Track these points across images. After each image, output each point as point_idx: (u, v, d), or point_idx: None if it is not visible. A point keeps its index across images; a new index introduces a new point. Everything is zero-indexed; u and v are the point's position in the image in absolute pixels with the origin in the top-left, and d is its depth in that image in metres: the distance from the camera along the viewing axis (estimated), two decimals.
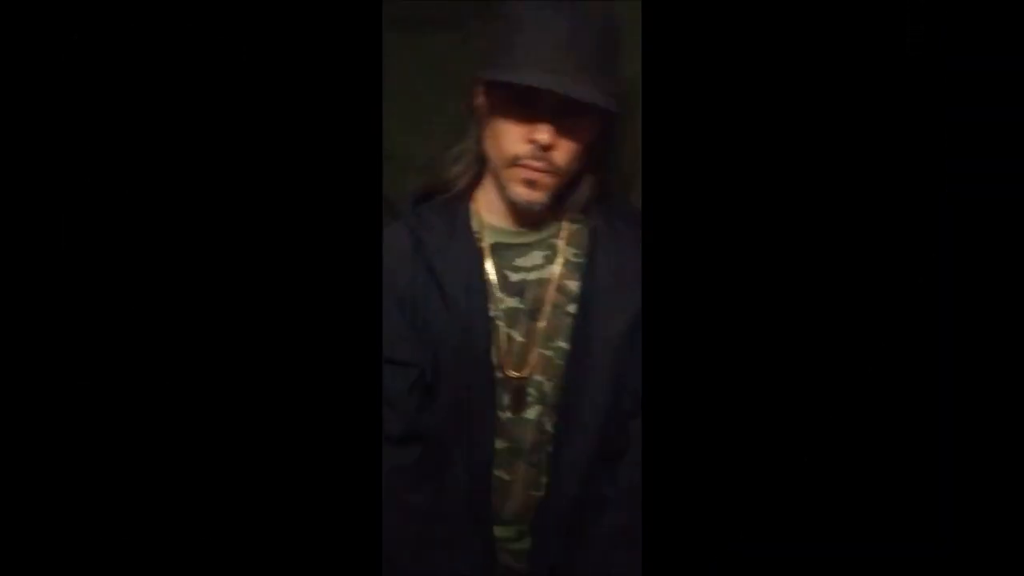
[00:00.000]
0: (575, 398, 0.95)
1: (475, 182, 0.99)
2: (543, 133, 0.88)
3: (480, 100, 0.94)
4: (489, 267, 0.97)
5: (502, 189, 0.94)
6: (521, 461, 0.96)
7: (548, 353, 0.95)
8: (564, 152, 0.90)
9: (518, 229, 0.98)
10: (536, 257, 0.98)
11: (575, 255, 0.98)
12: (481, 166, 0.98)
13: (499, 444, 0.95)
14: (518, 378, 0.95)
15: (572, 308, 0.96)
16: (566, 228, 0.99)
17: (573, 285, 0.97)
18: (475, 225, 0.99)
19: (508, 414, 0.95)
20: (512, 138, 0.90)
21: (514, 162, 0.91)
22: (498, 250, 0.98)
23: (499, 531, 0.97)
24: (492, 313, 0.95)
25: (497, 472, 0.95)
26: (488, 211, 0.99)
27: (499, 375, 0.95)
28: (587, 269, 0.97)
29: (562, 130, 0.89)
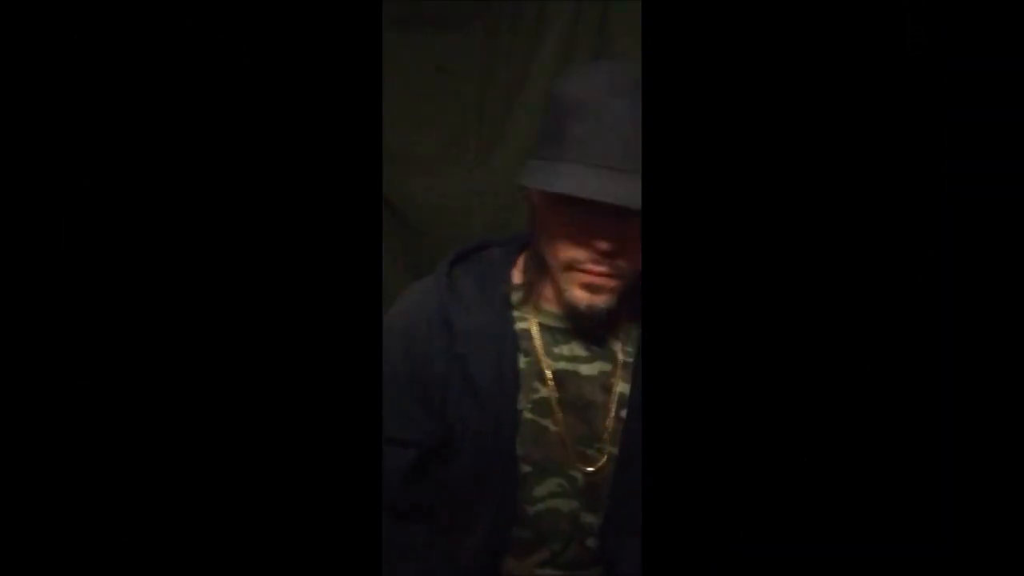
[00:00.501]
0: (622, 508, 0.88)
1: (527, 277, 0.89)
2: (603, 240, 0.79)
3: (531, 199, 0.85)
4: (522, 354, 0.87)
5: (560, 291, 0.85)
6: (545, 547, 0.90)
7: (592, 453, 0.88)
8: (628, 256, 0.80)
9: (578, 343, 0.89)
10: (576, 348, 0.89)
11: (625, 351, 0.89)
12: (536, 268, 0.87)
13: (521, 533, 0.89)
14: (594, 472, 0.87)
15: (623, 413, 0.88)
16: (622, 323, 0.89)
17: (621, 385, 0.88)
18: (515, 298, 0.89)
19: (539, 506, 0.89)
20: (569, 241, 0.81)
21: (571, 266, 0.82)
22: (543, 333, 0.89)
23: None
24: (521, 405, 0.87)
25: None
26: (536, 314, 0.89)
27: (529, 470, 0.88)
28: (636, 369, 0.88)
29: (628, 229, 0.78)
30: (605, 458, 0.87)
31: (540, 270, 0.88)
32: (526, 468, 0.88)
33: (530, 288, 0.89)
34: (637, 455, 0.85)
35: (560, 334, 0.89)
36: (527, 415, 0.87)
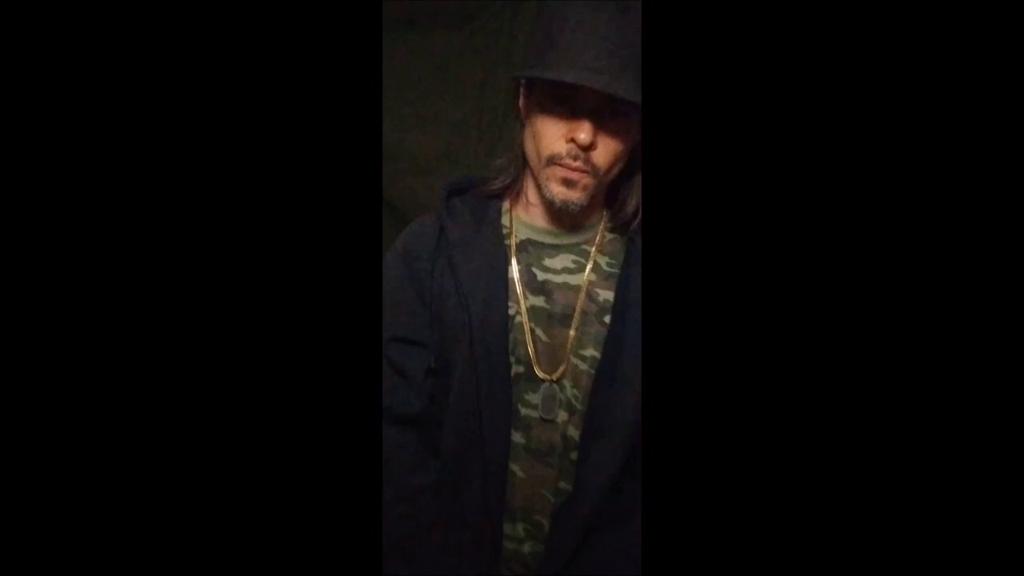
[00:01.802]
0: (603, 410, 0.93)
1: (513, 182, 0.99)
2: (583, 132, 0.86)
3: (521, 100, 0.94)
4: (514, 264, 0.96)
5: (540, 188, 0.93)
6: (536, 461, 0.94)
7: (577, 361, 0.94)
8: (605, 152, 0.89)
9: (553, 229, 0.97)
10: (566, 260, 0.97)
11: (608, 264, 0.97)
12: (520, 167, 0.97)
13: (517, 439, 0.94)
14: (549, 380, 0.94)
15: (606, 318, 0.94)
16: (602, 235, 0.98)
17: (606, 295, 0.95)
18: (506, 221, 0.98)
19: (533, 412, 0.94)
20: (551, 137, 0.89)
21: (552, 161, 0.90)
22: (526, 247, 0.97)
23: (506, 527, 0.95)
24: (512, 311, 0.94)
25: (512, 466, 0.94)
26: (524, 209, 0.98)
27: (522, 370, 0.94)
28: (621, 280, 0.95)
29: (603, 130, 0.88)
30: (587, 364, 0.94)
31: (524, 175, 0.98)
32: (518, 368, 0.94)
33: (515, 191, 1.00)
34: (617, 359, 0.93)
35: (549, 248, 0.97)
36: (518, 319, 0.94)
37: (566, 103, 0.88)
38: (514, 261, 0.95)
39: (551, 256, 0.96)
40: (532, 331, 0.94)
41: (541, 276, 0.95)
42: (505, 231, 0.97)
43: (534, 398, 0.94)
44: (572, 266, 0.96)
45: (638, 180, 0.96)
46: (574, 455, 0.94)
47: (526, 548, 0.95)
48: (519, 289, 0.95)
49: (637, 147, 0.94)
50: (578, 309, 0.95)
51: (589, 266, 0.96)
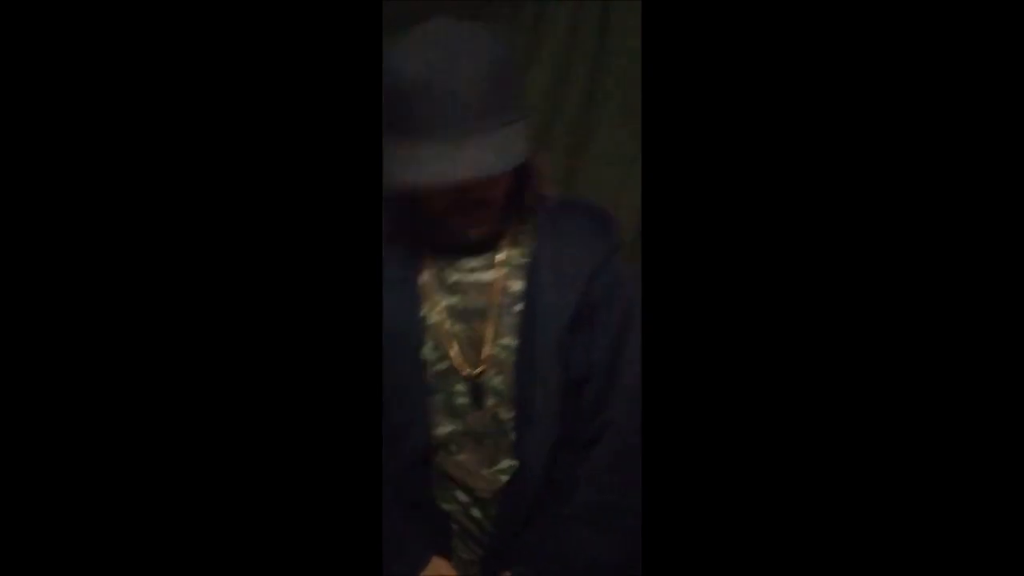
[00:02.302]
0: (527, 388, 0.97)
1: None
2: (464, 206, 0.88)
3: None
4: (426, 272, 0.99)
5: (444, 224, 0.94)
6: (475, 443, 0.98)
7: (497, 352, 0.98)
8: (494, 199, 0.91)
9: (467, 255, 0.99)
10: (474, 261, 0.99)
11: (520, 255, 1.00)
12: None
13: (453, 427, 0.98)
14: (474, 376, 0.98)
15: (518, 307, 0.98)
16: (512, 233, 1.00)
17: (517, 285, 0.99)
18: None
19: (464, 400, 0.99)
20: (436, 199, 0.89)
21: (447, 212, 0.91)
22: (437, 252, 0.99)
23: (457, 495, 1.01)
24: (423, 312, 0.98)
25: (457, 457, 0.99)
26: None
27: (445, 367, 0.98)
28: (529, 268, 0.99)
29: (481, 187, 0.87)
30: (507, 353, 0.98)
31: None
32: (442, 365, 0.98)
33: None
34: (534, 342, 0.97)
35: (457, 252, 0.99)
36: (433, 320, 0.98)
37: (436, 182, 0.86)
38: (423, 273, 0.98)
39: (461, 257, 0.99)
40: (450, 331, 0.98)
41: (453, 277, 0.98)
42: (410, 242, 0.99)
43: (462, 388, 0.98)
44: (480, 264, 0.99)
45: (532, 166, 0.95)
46: (512, 436, 0.98)
47: (474, 512, 1.00)
48: (432, 295, 0.98)
49: (520, 171, 0.92)
50: (493, 304, 0.98)
51: (499, 261, 0.99)
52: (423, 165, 0.83)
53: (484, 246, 0.99)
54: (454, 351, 0.98)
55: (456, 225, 0.93)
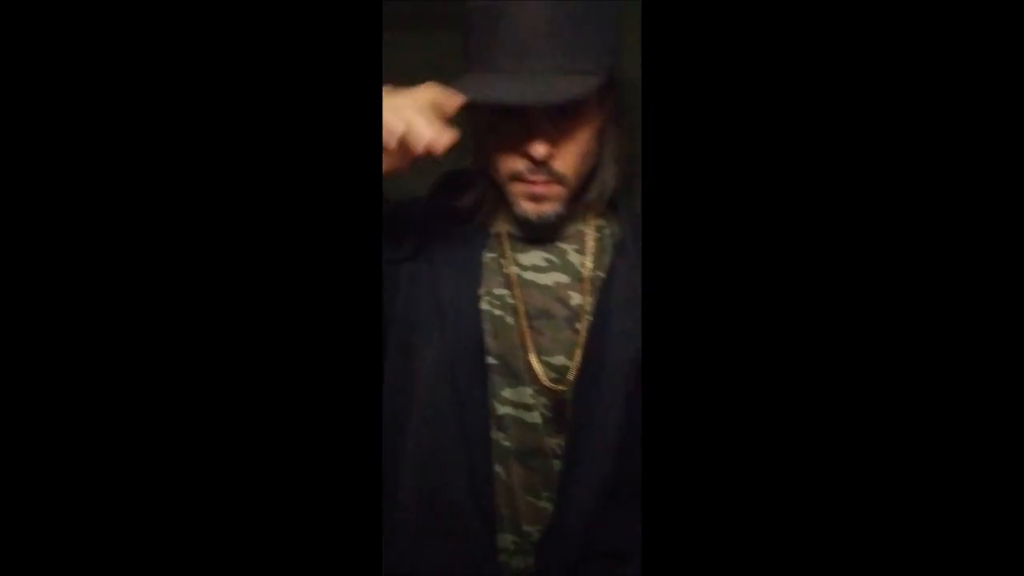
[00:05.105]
0: (585, 423, 0.86)
1: (482, 198, 0.92)
2: (538, 147, 0.80)
3: (465, 117, 0.85)
4: (487, 255, 0.90)
5: (511, 206, 0.87)
6: (518, 463, 0.88)
7: (541, 367, 0.88)
8: (567, 158, 0.83)
9: (533, 235, 0.91)
10: (536, 257, 0.91)
11: (585, 266, 0.90)
12: (485, 185, 0.90)
13: (498, 438, 0.88)
14: (555, 390, 0.87)
15: (577, 324, 0.88)
16: (582, 234, 0.91)
17: (577, 298, 0.89)
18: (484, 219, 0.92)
19: (510, 410, 0.88)
20: (506, 154, 0.83)
21: (515, 178, 0.84)
22: (501, 239, 0.91)
23: (498, 539, 0.89)
24: (485, 302, 0.88)
25: (496, 468, 0.88)
26: (503, 215, 0.92)
27: (496, 363, 0.88)
28: (603, 284, 0.89)
29: (560, 135, 0.81)
30: (554, 372, 0.87)
31: (492, 188, 0.90)
32: (491, 360, 0.88)
33: (484, 206, 0.92)
34: (598, 371, 0.85)
35: (523, 243, 0.91)
36: (485, 307, 0.88)
37: (513, 114, 0.80)
38: (486, 252, 0.90)
39: (524, 251, 0.91)
40: (501, 321, 0.88)
41: (511, 269, 0.89)
42: (480, 225, 0.91)
43: (511, 395, 0.88)
44: (543, 264, 0.90)
45: (608, 158, 0.87)
46: (561, 469, 0.87)
47: (516, 563, 0.88)
48: (491, 277, 0.89)
49: (606, 123, 0.86)
50: (545, 309, 0.88)
51: (563, 266, 0.90)
52: (500, 88, 0.77)
53: (549, 233, 0.89)
54: (498, 347, 0.86)
55: (524, 195, 0.84)
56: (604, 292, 0.89)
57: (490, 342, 0.88)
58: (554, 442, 0.88)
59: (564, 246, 0.92)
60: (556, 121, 0.81)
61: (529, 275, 0.90)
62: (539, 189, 0.83)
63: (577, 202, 0.90)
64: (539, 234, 0.90)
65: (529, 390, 0.88)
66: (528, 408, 0.88)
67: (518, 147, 0.82)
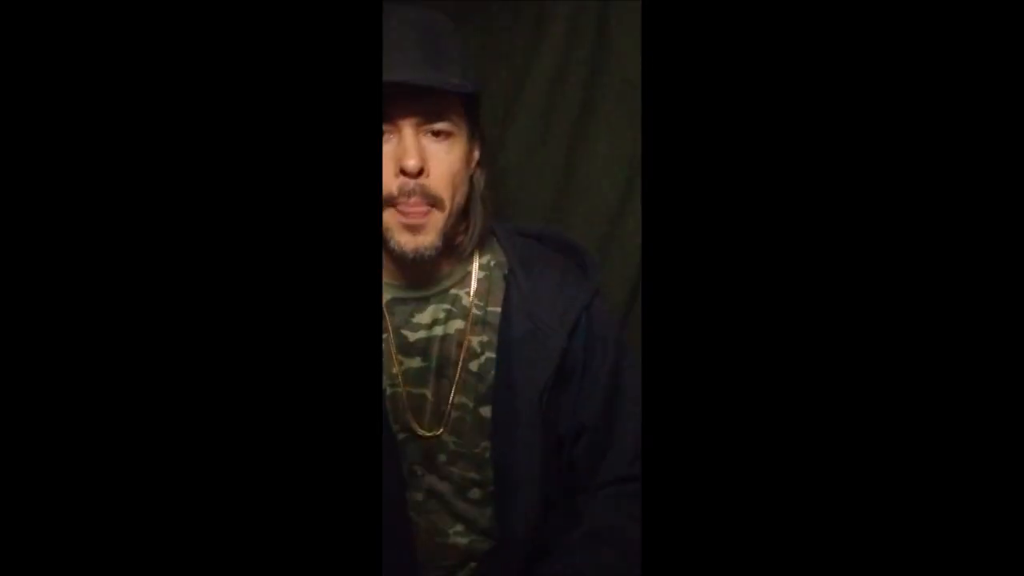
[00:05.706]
0: (507, 454, 0.91)
1: None
2: (409, 160, 0.82)
3: None
4: (387, 329, 0.91)
5: (386, 241, 0.87)
6: (442, 510, 0.94)
7: (455, 412, 0.92)
8: (440, 177, 0.84)
9: (415, 282, 0.92)
10: (436, 311, 0.93)
11: (477, 306, 0.93)
12: None
13: (417, 496, 0.94)
14: (428, 437, 0.92)
15: (473, 366, 0.92)
16: (472, 276, 0.93)
17: (476, 342, 0.92)
18: None
19: (418, 468, 0.93)
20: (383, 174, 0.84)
21: (389, 204, 0.85)
22: (392, 308, 0.92)
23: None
24: (387, 383, 0.90)
25: (425, 516, 0.94)
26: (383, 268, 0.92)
27: (403, 436, 0.92)
28: (501, 321, 0.91)
29: (430, 154, 0.84)
30: (463, 413, 0.91)
31: None
32: (402, 436, 0.92)
33: None
34: (511, 403, 0.89)
35: (415, 303, 0.92)
36: (391, 391, 0.91)
37: (386, 133, 0.82)
38: (386, 326, 0.90)
39: (420, 311, 0.92)
40: (408, 395, 0.91)
41: (412, 336, 0.91)
42: None
43: (418, 455, 0.93)
44: (442, 316, 0.92)
45: (476, 199, 0.90)
46: (491, 507, 0.93)
47: None
48: (395, 355, 0.91)
49: (473, 149, 0.89)
50: (453, 359, 0.91)
51: (459, 312, 0.92)
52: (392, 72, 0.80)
53: (426, 277, 0.90)
54: (410, 417, 0.91)
55: (400, 227, 0.85)
56: (504, 327, 0.91)
57: (402, 420, 0.92)
58: (468, 478, 0.93)
59: (455, 291, 0.94)
60: (427, 138, 0.84)
61: (433, 331, 0.92)
62: (414, 217, 0.84)
63: (453, 244, 0.91)
64: (416, 273, 0.91)
65: (433, 443, 0.92)
66: (439, 464, 0.94)
67: (391, 167, 0.84)
